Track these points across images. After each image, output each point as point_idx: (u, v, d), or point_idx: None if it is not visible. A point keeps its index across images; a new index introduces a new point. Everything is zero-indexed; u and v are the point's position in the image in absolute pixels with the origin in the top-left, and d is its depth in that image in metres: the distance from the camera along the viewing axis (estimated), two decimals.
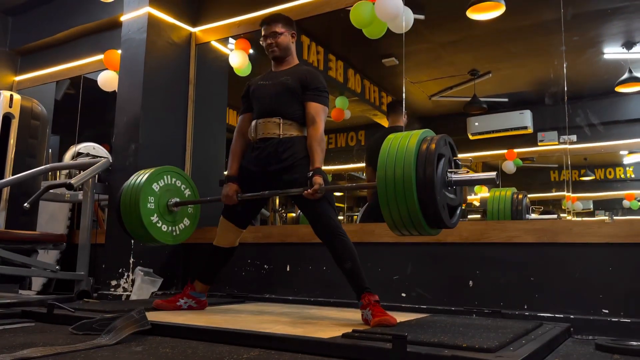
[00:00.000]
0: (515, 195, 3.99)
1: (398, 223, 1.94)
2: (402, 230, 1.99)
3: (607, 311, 2.35)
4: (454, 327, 2.00)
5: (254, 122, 2.56)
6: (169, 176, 2.78)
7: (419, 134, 1.97)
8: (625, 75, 5.03)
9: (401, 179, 1.87)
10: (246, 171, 2.58)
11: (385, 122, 7.32)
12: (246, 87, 2.68)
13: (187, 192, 2.87)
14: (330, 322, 2.25)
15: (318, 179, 2.29)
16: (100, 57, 4.29)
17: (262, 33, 2.58)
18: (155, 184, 2.71)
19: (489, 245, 2.66)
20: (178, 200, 2.79)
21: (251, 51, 4.23)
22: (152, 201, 2.68)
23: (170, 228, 2.77)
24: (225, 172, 2.77)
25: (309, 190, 2.28)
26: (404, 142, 1.94)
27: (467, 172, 2.03)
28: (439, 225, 1.98)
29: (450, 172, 1.99)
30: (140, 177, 2.71)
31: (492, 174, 1.97)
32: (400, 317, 2.26)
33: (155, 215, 2.70)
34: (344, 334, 1.84)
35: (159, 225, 2.72)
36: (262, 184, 2.51)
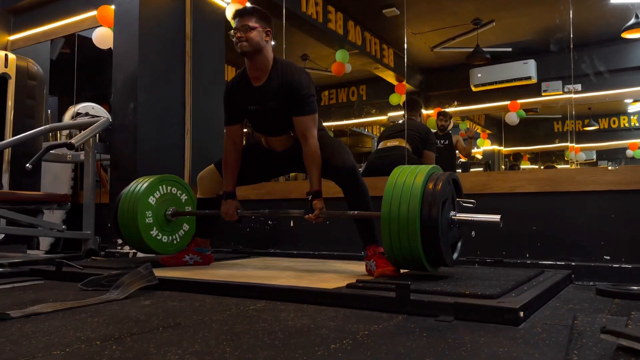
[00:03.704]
0: None
1: (399, 259, 1.96)
2: (401, 265, 2.01)
3: (608, 257, 2.37)
4: (457, 276, 2.02)
5: (262, 138, 2.54)
6: (164, 186, 2.79)
7: (426, 172, 1.95)
8: (632, 21, 4.90)
9: (405, 219, 1.86)
10: (254, 147, 2.58)
11: (387, 76, 7.21)
12: (227, 96, 2.49)
13: (184, 197, 2.89)
14: (334, 274, 2.28)
15: (318, 204, 2.28)
16: (94, 13, 4.18)
17: (234, 25, 2.38)
18: (151, 197, 2.72)
19: (492, 195, 2.66)
20: (176, 210, 2.81)
21: (248, 4, 4.12)
22: (150, 215, 2.71)
23: (170, 238, 2.82)
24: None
25: (310, 215, 2.28)
26: (410, 179, 1.92)
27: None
28: (441, 265, 2.01)
29: (454, 213, 2.00)
30: (139, 187, 2.72)
31: (497, 218, 1.92)
32: None
33: (155, 228, 2.74)
34: (348, 284, 1.87)
35: (158, 238, 2.76)
36: (272, 159, 2.54)
